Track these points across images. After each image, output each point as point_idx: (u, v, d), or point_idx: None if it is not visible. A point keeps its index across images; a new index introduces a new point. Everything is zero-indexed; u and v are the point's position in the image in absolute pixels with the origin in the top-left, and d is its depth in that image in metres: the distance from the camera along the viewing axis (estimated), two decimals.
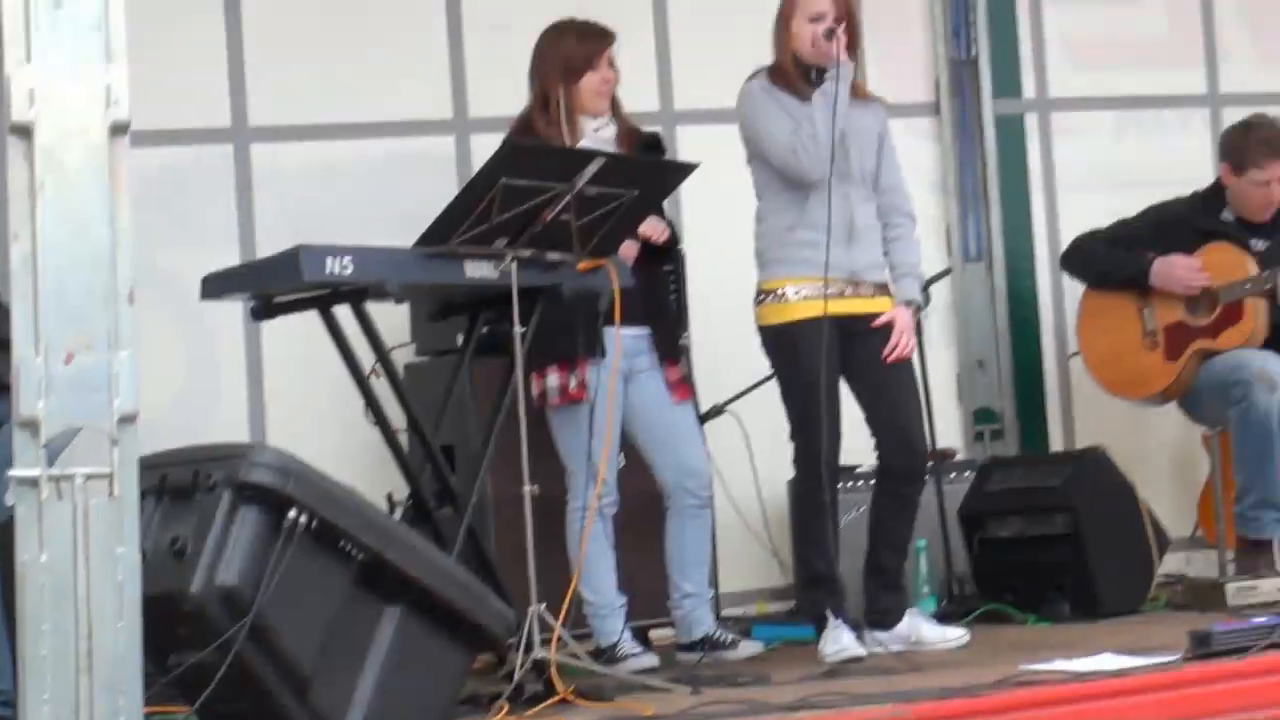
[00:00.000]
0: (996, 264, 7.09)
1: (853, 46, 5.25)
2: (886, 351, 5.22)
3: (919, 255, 5.46)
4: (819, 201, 5.19)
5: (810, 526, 5.27)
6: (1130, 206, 6.55)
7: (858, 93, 5.33)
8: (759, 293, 5.30)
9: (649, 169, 5.10)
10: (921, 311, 5.61)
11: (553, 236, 4.75)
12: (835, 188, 5.18)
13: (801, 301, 5.20)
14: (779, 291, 5.23)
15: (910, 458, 5.29)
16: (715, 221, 6.47)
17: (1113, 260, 6.35)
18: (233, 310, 5.63)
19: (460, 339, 5.22)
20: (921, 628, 5.26)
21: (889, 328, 5.25)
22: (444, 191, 6.05)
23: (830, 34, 5.18)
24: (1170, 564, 6.22)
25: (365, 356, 4.86)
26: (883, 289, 5.31)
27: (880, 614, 5.28)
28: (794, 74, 5.28)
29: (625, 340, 5.21)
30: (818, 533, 5.23)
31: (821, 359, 5.14)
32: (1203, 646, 4.49)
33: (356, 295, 4.67)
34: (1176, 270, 6.22)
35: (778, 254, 5.25)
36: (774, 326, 5.24)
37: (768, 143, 5.24)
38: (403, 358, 5.88)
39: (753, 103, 5.30)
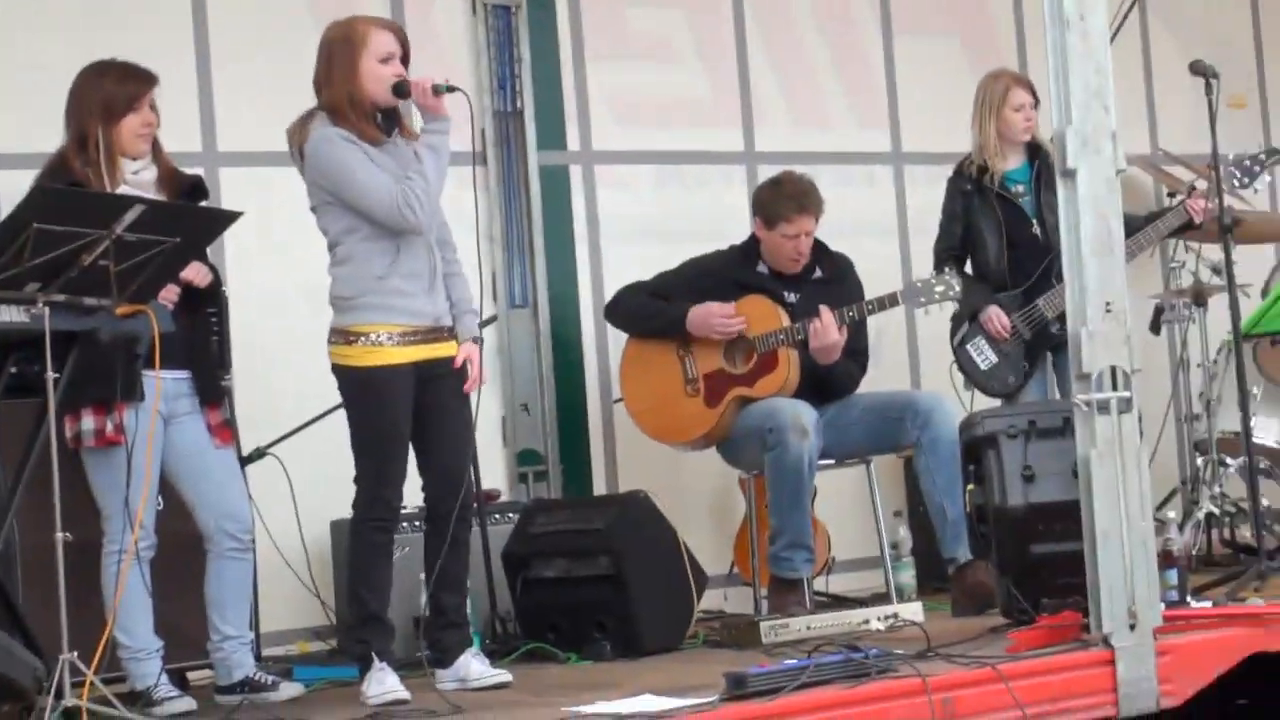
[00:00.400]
0: (541, 310, 7.20)
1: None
2: (468, 387, 5.26)
3: (471, 290, 5.46)
4: (408, 251, 5.16)
5: (367, 568, 5.23)
6: (671, 257, 6.76)
7: (407, 134, 5.26)
8: (345, 334, 5.18)
9: (191, 216, 5.00)
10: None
11: (90, 281, 4.61)
12: (421, 237, 5.18)
13: (394, 346, 5.16)
14: (372, 336, 5.15)
15: (461, 498, 5.30)
16: (258, 263, 6.45)
17: (651, 310, 6.52)
18: None
19: None
20: (471, 664, 5.26)
21: (455, 372, 5.27)
22: None
23: (446, 89, 5.11)
24: (708, 600, 6.39)
25: None
26: (451, 332, 5.31)
27: (441, 652, 5.29)
28: (364, 117, 5.14)
29: (165, 383, 5.12)
30: (375, 575, 5.22)
31: (401, 408, 5.16)
32: (739, 688, 4.58)
33: None
34: (712, 317, 6.41)
35: (369, 300, 5.16)
36: (363, 369, 5.16)
37: (366, 195, 5.09)
38: None
39: (338, 152, 5.11)
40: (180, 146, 5.86)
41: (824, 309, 6.29)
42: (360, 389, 5.19)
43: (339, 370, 5.23)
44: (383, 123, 5.20)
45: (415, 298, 5.18)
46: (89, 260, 4.57)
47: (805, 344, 6.34)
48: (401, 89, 5.13)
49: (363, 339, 5.17)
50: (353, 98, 5.13)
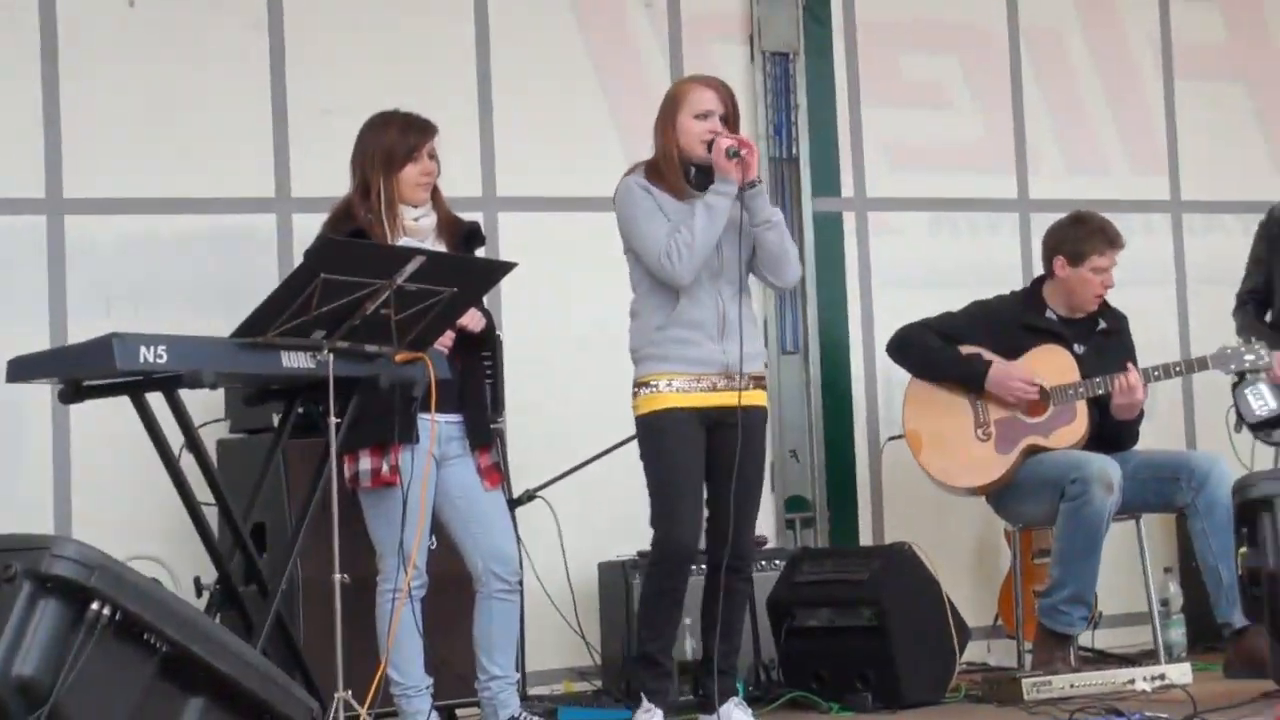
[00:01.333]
0: (812, 357, 7.22)
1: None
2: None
3: None
4: (689, 300, 5.30)
5: (648, 610, 5.36)
6: (942, 304, 6.69)
7: None
8: (635, 385, 5.38)
9: (468, 267, 5.11)
10: None
11: (372, 328, 4.76)
12: (707, 284, 5.31)
13: (673, 393, 5.30)
14: (653, 384, 5.31)
15: (740, 551, 5.36)
16: (534, 307, 6.57)
17: (948, 357, 6.45)
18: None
19: (275, 418, 5.24)
20: (734, 713, 5.33)
21: (752, 424, 5.33)
22: (264, 268, 6.16)
23: (734, 154, 5.23)
24: (971, 652, 6.33)
25: (178, 435, 4.83)
26: (758, 380, 5.41)
27: (705, 698, 5.37)
28: (674, 172, 5.32)
29: (438, 426, 5.21)
30: (655, 617, 5.33)
31: (687, 449, 5.27)
32: None
33: (170, 382, 4.63)
34: (1012, 380, 6.35)
35: (650, 351, 5.34)
36: (646, 416, 5.33)
37: (642, 243, 5.29)
38: (216, 432, 5.91)
39: (631, 200, 5.32)
40: (461, 192, 6.05)
41: (1131, 367, 6.26)
42: (644, 434, 5.34)
43: (635, 420, 5.38)
44: (697, 178, 5.34)
45: (699, 346, 5.30)
46: (371, 309, 4.71)
47: (1098, 399, 6.30)
48: (709, 145, 5.28)
49: (646, 388, 5.33)
50: (665, 151, 5.34)
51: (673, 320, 5.30)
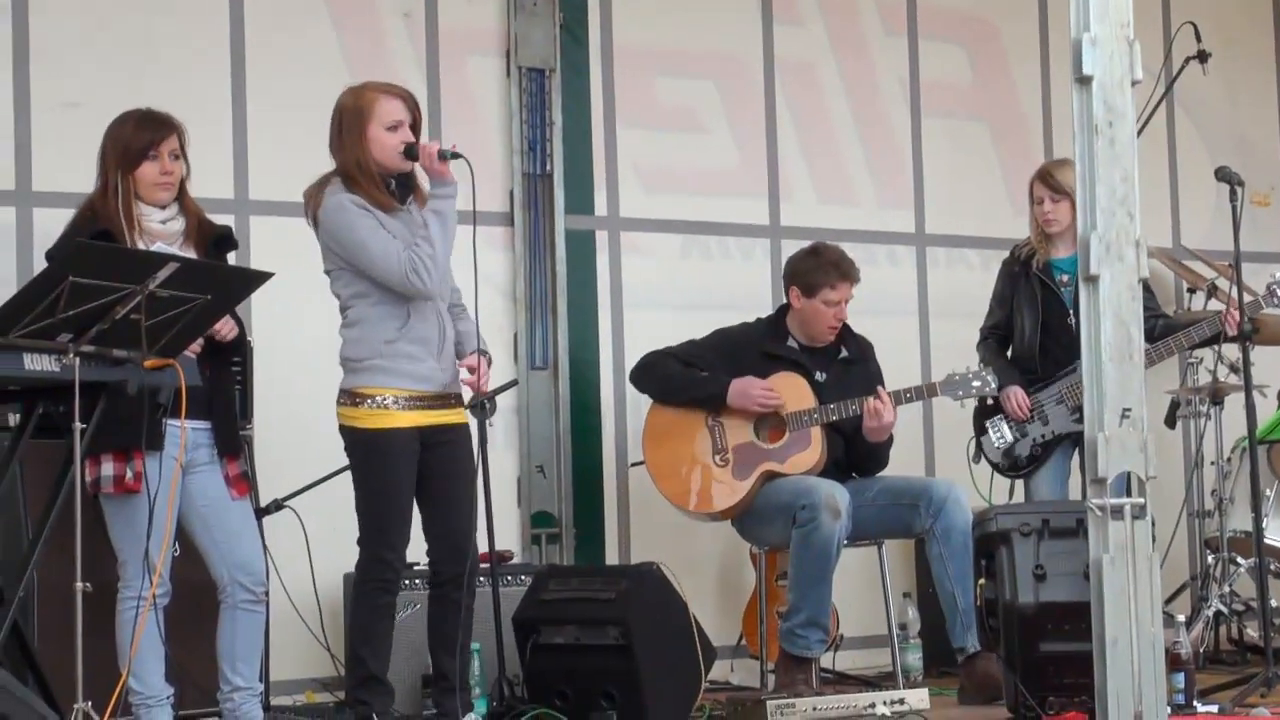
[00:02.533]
0: (561, 373, 7.23)
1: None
2: (471, 382, 5.37)
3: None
4: (418, 316, 5.29)
5: (368, 629, 5.32)
6: (692, 325, 6.80)
7: (421, 201, 5.38)
8: (353, 396, 5.32)
9: (224, 276, 5.02)
10: (489, 417, 5.73)
11: (121, 333, 4.63)
12: (431, 302, 5.31)
13: (401, 410, 5.29)
14: (378, 399, 5.29)
15: (460, 565, 5.38)
16: (285, 315, 6.47)
17: (688, 379, 6.52)
18: None
19: (13, 419, 5.06)
20: None
21: (461, 439, 5.40)
22: (3, 263, 5.94)
23: (451, 156, 5.23)
24: (715, 671, 6.38)
25: None
26: (460, 399, 5.46)
27: (442, 716, 5.35)
28: (374, 184, 5.28)
29: (186, 434, 5.09)
30: (376, 636, 5.31)
31: (406, 470, 5.27)
32: None
33: None
34: (752, 390, 6.43)
35: (377, 363, 5.31)
36: (368, 431, 5.30)
37: (377, 260, 5.23)
38: None
39: (349, 219, 5.25)
40: (213, 193, 5.94)
41: (882, 390, 6.37)
42: (365, 450, 5.31)
43: (345, 431, 5.34)
44: (397, 190, 5.33)
45: (424, 362, 5.31)
46: (121, 314, 4.59)
47: (838, 425, 6.38)
48: (411, 153, 5.26)
49: (369, 401, 5.29)
50: (361, 164, 5.28)
51: (403, 335, 5.30)
